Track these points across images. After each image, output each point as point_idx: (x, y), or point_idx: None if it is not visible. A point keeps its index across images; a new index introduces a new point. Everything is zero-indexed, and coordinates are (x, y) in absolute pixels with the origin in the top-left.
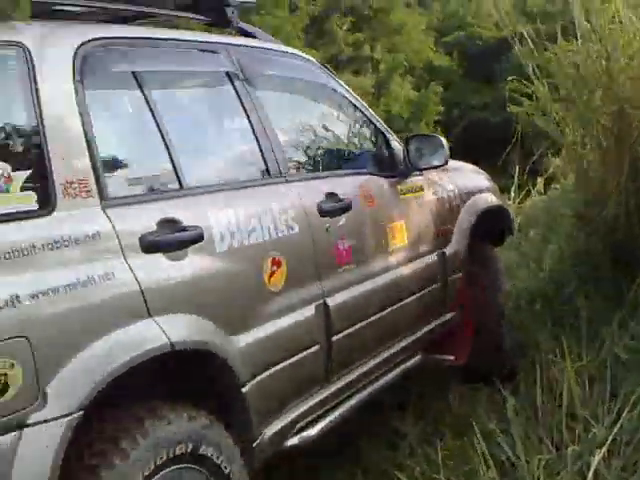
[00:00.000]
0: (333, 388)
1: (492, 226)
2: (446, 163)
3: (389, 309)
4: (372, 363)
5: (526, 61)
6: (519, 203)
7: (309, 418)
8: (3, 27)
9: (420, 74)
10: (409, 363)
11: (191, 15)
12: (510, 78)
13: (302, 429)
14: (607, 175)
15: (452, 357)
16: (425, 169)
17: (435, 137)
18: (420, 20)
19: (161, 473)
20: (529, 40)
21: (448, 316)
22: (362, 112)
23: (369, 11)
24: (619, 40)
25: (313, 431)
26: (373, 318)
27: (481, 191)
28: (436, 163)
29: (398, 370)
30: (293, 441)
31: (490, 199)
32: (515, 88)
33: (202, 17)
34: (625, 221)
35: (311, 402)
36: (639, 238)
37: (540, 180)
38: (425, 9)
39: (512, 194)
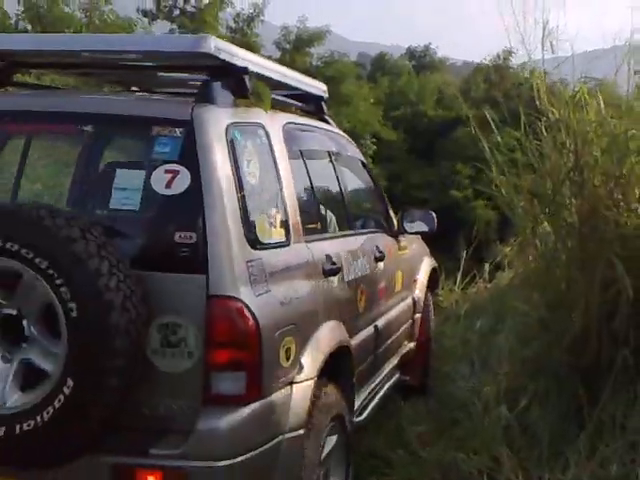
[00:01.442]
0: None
1: (434, 279)
2: (433, 230)
3: (391, 338)
4: (378, 378)
5: (483, 145)
6: (462, 289)
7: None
8: (254, 112)
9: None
10: (393, 380)
11: (300, 104)
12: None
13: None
14: (574, 279)
15: (408, 377)
16: (414, 233)
17: (428, 212)
18: (369, 93)
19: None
20: (492, 123)
21: (412, 345)
22: (375, 182)
23: (321, 80)
24: (589, 132)
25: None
26: (386, 343)
27: (428, 255)
28: (425, 229)
29: (389, 384)
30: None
31: (433, 261)
32: (459, 170)
33: (307, 107)
34: (595, 340)
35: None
36: (607, 360)
37: (486, 267)
38: (374, 83)
39: (458, 278)
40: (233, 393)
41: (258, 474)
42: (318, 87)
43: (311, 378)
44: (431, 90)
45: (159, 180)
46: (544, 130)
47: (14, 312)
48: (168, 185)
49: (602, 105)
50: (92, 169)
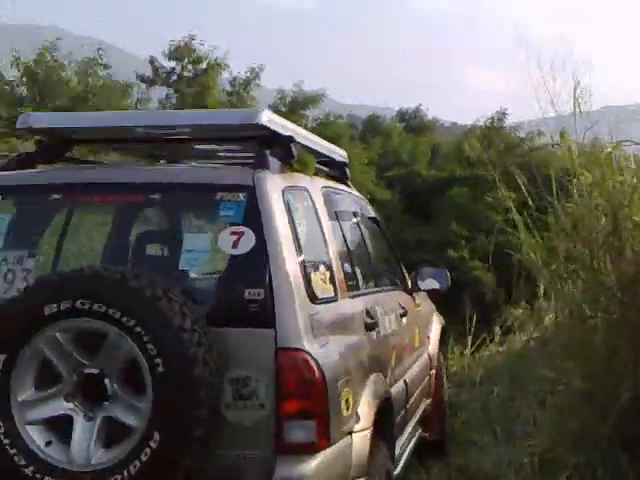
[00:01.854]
0: None
1: (443, 337)
2: (445, 288)
3: (415, 393)
4: (407, 433)
5: (508, 206)
6: (472, 353)
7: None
8: (298, 177)
9: None
10: (417, 435)
11: (328, 169)
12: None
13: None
14: (617, 348)
15: (427, 434)
16: (428, 290)
17: (441, 269)
18: (362, 154)
19: None
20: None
21: (429, 401)
22: (391, 242)
23: None
24: (625, 195)
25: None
26: (412, 397)
27: (436, 312)
28: (437, 287)
29: (414, 439)
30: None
31: (441, 318)
32: (456, 231)
33: (332, 173)
34: None
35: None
36: None
37: (497, 330)
38: (366, 144)
39: (468, 342)
40: (305, 441)
41: None
42: (341, 154)
43: (367, 428)
44: (424, 150)
45: (226, 241)
46: (575, 193)
47: (96, 371)
48: (234, 245)
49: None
50: (159, 234)
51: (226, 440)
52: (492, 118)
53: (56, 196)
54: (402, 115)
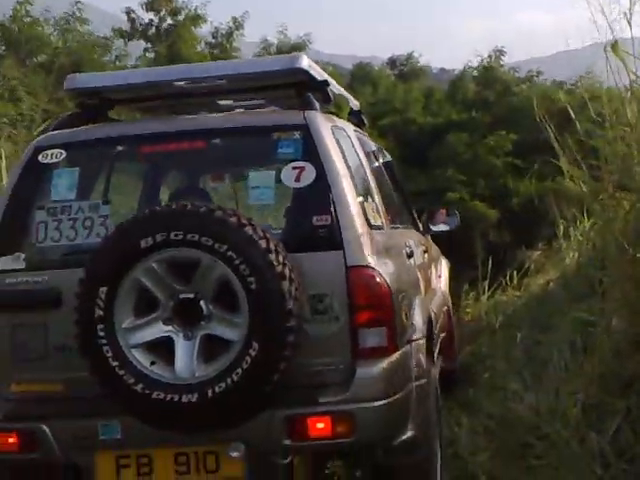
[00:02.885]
0: None
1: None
2: (454, 228)
3: (438, 323)
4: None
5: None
6: (488, 298)
7: None
8: (335, 118)
9: None
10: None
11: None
12: None
13: None
14: None
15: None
16: (439, 233)
17: (452, 212)
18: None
19: None
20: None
21: (444, 335)
22: (402, 184)
23: None
24: None
25: None
26: (437, 326)
27: (441, 254)
28: (447, 229)
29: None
30: None
31: (447, 261)
32: (454, 177)
33: (352, 119)
34: None
35: None
36: None
37: (514, 274)
38: (356, 93)
39: (485, 287)
40: (378, 345)
41: (402, 414)
42: (354, 102)
43: (423, 337)
44: (417, 97)
45: (289, 176)
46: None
47: (191, 295)
48: (297, 179)
49: None
50: (223, 175)
51: (308, 351)
52: (489, 56)
53: (121, 148)
54: (393, 62)
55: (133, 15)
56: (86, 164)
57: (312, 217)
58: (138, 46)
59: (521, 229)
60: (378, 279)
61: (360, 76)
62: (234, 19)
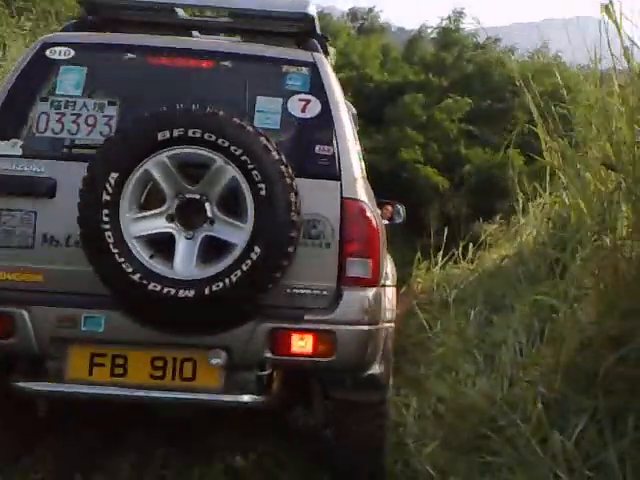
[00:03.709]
0: None
1: None
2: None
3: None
4: None
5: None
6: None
7: None
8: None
9: None
10: None
11: None
12: None
13: None
14: None
15: None
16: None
17: (398, 205)
18: None
19: None
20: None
21: None
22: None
23: None
24: None
25: None
26: None
27: None
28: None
29: None
30: None
31: None
32: (410, 136)
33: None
34: None
35: None
36: None
37: (469, 247)
38: None
39: (438, 258)
40: (364, 276)
41: (375, 346)
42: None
43: (394, 286)
44: (375, 53)
45: (295, 106)
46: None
47: (197, 196)
48: (303, 110)
49: None
50: (232, 96)
51: (298, 274)
52: (448, 17)
53: (131, 55)
54: (354, 15)
55: None
56: (94, 65)
57: (315, 146)
58: None
59: (474, 199)
60: (369, 214)
61: (319, 25)
62: None
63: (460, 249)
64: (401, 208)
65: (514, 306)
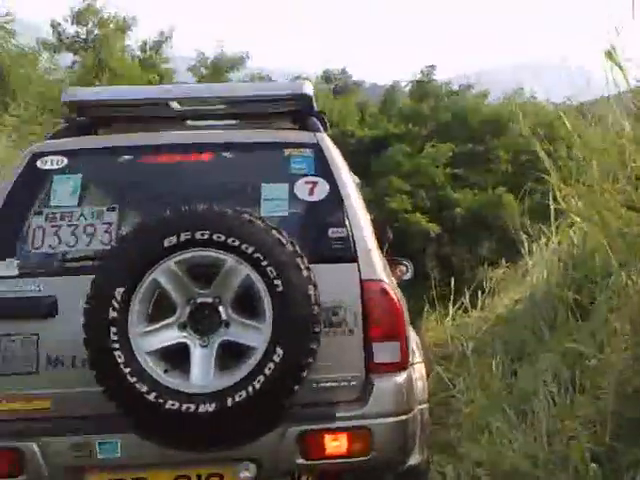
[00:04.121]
0: None
1: None
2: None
3: None
4: None
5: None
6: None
7: None
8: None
9: None
10: None
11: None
12: None
13: None
14: None
15: None
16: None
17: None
18: None
19: None
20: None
21: None
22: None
23: None
24: None
25: None
26: None
27: None
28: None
29: None
30: None
31: None
32: (397, 186)
33: None
34: None
35: None
36: None
37: (478, 295)
38: None
39: (449, 309)
40: (392, 360)
41: (414, 434)
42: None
43: (422, 362)
44: (353, 110)
45: (302, 190)
46: None
47: (210, 300)
48: (311, 193)
49: None
50: (236, 187)
51: (322, 365)
52: (422, 72)
53: (127, 157)
54: (328, 76)
55: (59, 28)
56: (89, 171)
57: (327, 229)
58: (65, 58)
59: (468, 241)
60: (391, 294)
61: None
62: (161, 33)
63: (468, 297)
64: (409, 264)
65: (537, 354)
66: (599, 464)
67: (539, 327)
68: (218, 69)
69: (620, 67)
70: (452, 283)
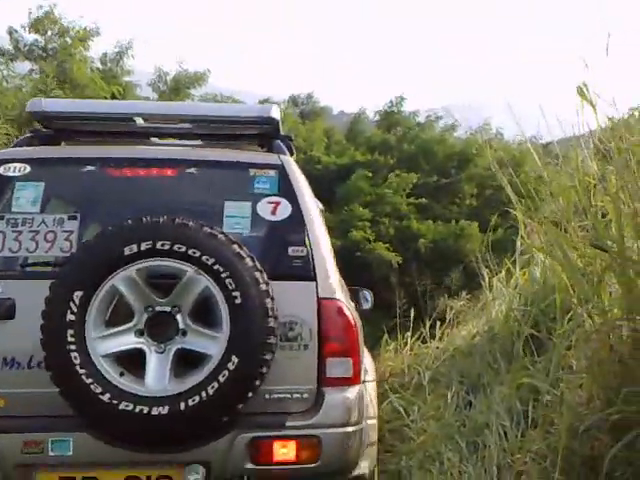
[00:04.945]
0: None
1: None
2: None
3: None
4: None
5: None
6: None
7: None
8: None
9: None
10: None
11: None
12: None
13: None
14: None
15: None
16: None
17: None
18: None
19: None
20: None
21: None
22: None
23: None
24: None
25: None
26: None
27: None
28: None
29: None
30: None
31: None
32: (360, 215)
33: None
34: None
35: None
36: None
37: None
38: None
39: (407, 339)
40: (344, 375)
41: (360, 446)
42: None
43: (374, 380)
44: (319, 136)
45: (265, 209)
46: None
47: (168, 309)
48: (273, 212)
49: None
50: (200, 203)
51: (274, 378)
52: (391, 102)
53: (91, 168)
54: (294, 100)
55: (16, 35)
56: (51, 180)
57: (288, 248)
58: (23, 67)
59: (431, 272)
60: (347, 312)
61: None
62: (120, 45)
63: (428, 327)
64: (368, 294)
65: (492, 386)
66: None
67: (496, 360)
68: (178, 86)
69: (592, 104)
70: (412, 313)
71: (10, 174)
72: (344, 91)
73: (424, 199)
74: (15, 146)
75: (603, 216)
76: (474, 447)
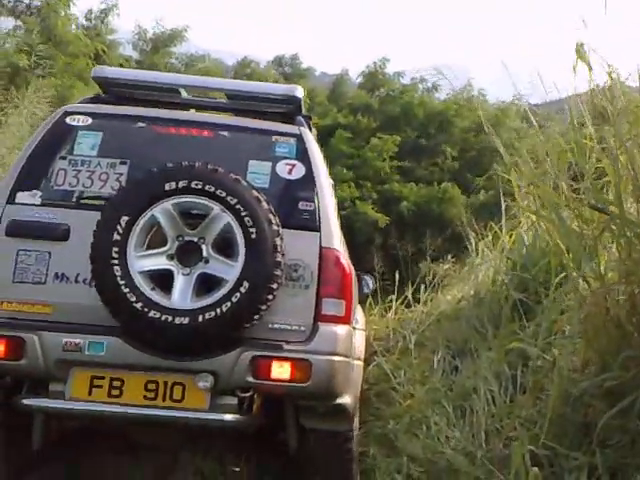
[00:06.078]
0: None
1: None
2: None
3: None
4: None
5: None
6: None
7: None
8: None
9: None
10: None
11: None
12: None
13: None
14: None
15: None
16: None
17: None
18: None
19: None
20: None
21: None
22: None
23: None
24: None
25: None
26: None
27: None
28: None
29: None
30: None
31: None
32: (343, 176)
33: None
34: None
35: None
36: None
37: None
38: None
39: (392, 303)
40: (337, 314)
41: (346, 376)
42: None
43: (364, 330)
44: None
45: (282, 169)
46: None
47: (195, 239)
48: (289, 172)
49: None
50: (229, 160)
51: (278, 312)
52: (374, 63)
53: (141, 124)
54: (279, 61)
55: None
56: (108, 131)
57: (299, 202)
58: (6, 23)
59: (415, 235)
60: (343, 261)
61: (244, 73)
62: (106, 2)
63: (411, 291)
64: (370, 280)
65: (480, 351)
66: (538, 465)
67: (483, 325)
68: (157, 44)
69: (588, 64)
70: (396, 277)
71: (74, 124)
72: (328, 53)
73: (407, 162)
74: (80, 102)
75: (599, 178)
76: (461, 412)
